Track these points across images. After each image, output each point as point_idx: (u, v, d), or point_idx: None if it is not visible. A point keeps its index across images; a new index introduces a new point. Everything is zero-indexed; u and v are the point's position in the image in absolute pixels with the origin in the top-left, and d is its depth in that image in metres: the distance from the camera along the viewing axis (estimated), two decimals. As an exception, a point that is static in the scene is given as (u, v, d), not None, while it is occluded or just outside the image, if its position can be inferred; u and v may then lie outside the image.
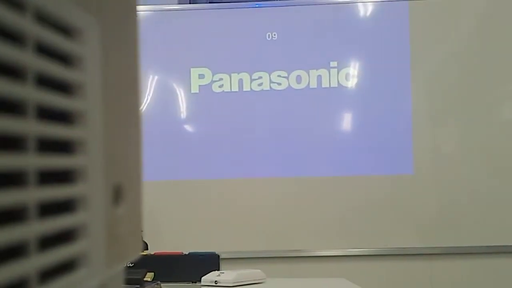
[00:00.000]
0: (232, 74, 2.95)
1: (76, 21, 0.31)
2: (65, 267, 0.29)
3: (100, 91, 0.34)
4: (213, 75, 2.96)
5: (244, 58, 2.97)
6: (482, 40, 2.90)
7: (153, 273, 1.54)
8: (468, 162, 2.86)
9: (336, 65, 2.94)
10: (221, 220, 2.87)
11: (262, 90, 2.95)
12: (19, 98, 0.25)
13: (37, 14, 0.27)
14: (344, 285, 1.64)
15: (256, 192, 2.90)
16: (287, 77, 2.95)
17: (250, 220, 2.88)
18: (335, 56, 2.95)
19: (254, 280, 1.60)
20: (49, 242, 0.27)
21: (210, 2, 3.22)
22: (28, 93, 0.25)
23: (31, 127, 0.25)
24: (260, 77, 2.95)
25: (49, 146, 0.28)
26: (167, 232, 2.85)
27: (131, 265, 1.53)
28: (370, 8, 2.96)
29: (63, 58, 0.30)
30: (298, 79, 2.95)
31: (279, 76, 2.95)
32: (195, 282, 1.60)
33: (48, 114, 0.28)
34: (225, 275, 1.53)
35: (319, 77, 2.94)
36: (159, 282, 1.52)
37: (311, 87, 2.94)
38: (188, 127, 2.97)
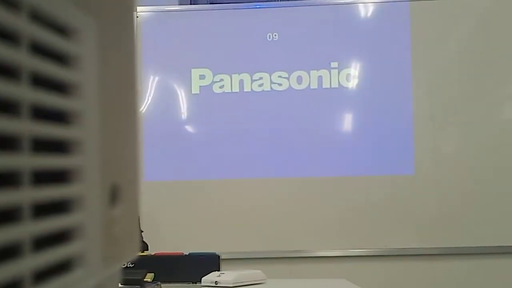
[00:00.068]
0: (233, 75, 2.95)
1: (73, 20, 0.31)
2: (61, 268, 0.29)
3: (96, 91, 0.34)
4: (213, 76, 2.96)
5: (244, 59, 2.97)
6: (483, 41, 2.89)
7: (153, 274, 1.54)
8: (469, 163, 2.86)
9: (337, 65, 2.94)
10: (221, 220, 2.87)
11: (263, 90, 2.95)
12: (13, 98, 0.24)
13: (32, 13, 0.27)
14: (345, 286, 1.64)
15: (256, 192, 2.90)
16: (287, 78, 2.95)
17: (251, 220, 2.87)
18: (336, 57, 2.94)
19: (254, 280, 1.59)
20: (44, 242, 0.27)
21: (210, 3, 3.22)
22: (23, 92, 0.25)
23: (25, 127, 0.25)
24: (260, 78, 2.95)
25: (45, 146, 0.27)
26: (168, 232, 2.85)
27: (131, 265, 1.53)
28: (371, 8, 2.95)
29: (59, 58, 0.30)
30: (299, 79, 2.95)
31: (279, 76, 2.95)
32: (195, 283, 1.60)
33: (44, 114, 0.27)
34: (225, 275, 1.53)
35: (320, 78, 2.94)
36: (159, 282, 1.52)
37: (311, 87, 2.94)
38: (189, 128, 2.97)
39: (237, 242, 2.85)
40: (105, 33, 0.36)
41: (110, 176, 0.36)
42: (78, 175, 0.31)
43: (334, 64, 2.94)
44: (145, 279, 1.47)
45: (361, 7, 2.96)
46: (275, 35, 2.96)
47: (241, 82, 2.95)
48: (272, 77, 2.95)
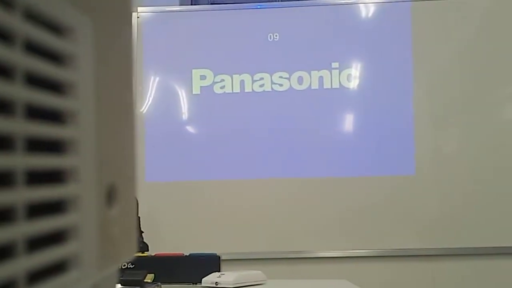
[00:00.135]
0: (234, 75, 2.95)
1: (68, 19, 0.31)
2: (56, 268, 0.29)
3: (92, 90, 0.34)
4: (214, 76, 2.96)
5: (245, 59, 2.97)
6: (484, 41, 2.89)
7: (153, 275, 1.54)
8: (470, 163, 2.85)
9: (337, 66, 2.94)
10: (222, 221, 2.87)
11: (264, 91, 2.94)
12: (7, 97, 0.24)
13: (26, 12, 0.26)
14: (345, 286, 1.64)
15: (257, 193, 2.89)
16: (288, 78, 2.94)
17: (251, 221, 2.87)
18: (337, 57, 2.94)
19: (254, 281, 1.59)
20: (39, 243, 0.27)
21: (211, 4, 3.22)
22: (17, 92, 0.25)
23: (19, 127, 0.25)
24: (261, 78, 2.95)
25: (39, 145, 0.27)
26: (168, 233, 2.84)
27: (131, 266, 1.53)
28: (372, 9, 2.95)
29: (54, 57, 0.29)
30: (300, 80, 2.94)
31: (280, 77, 2.95)
32: (196, 284, 1.60)
33: (38, 114, 0.27)
34: (225, 276, 1.52)
35: (321, 78, 2.94)
36: (159, 283, 1.52)
37: (312, 88, 2.94)
38: (189, 128, 2.97)
39: (238, 242, 2.84)
40: (102, 32, 0.36)
41: (106, 176, 0.35)
42: (74, 175, 0.31)
43: (335, 65, 2.94)
44: (145, 280, 1.47)
45: (362, 8, 2.96)
46: (276, 36, 2.96)
47: (242, 83, 2.95)
48: (273, 77, 2.95)
